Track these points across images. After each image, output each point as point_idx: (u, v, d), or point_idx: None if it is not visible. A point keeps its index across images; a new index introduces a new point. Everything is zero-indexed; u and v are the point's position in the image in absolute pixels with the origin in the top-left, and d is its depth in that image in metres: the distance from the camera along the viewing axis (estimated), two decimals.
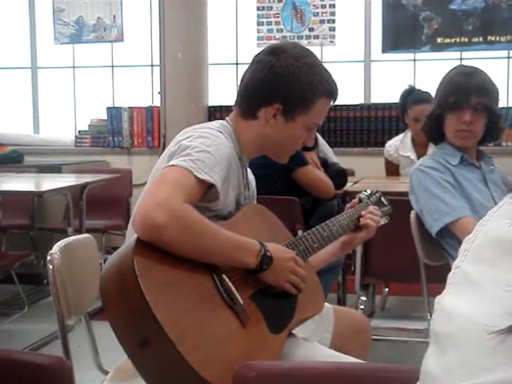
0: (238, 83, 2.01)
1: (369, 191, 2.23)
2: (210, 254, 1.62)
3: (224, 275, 1.64)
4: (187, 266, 1.59)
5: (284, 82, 1.87)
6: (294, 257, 1.81)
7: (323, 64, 1.96)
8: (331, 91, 1.94)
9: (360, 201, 2.18)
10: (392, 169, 4.71)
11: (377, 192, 2.25)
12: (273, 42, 6.26)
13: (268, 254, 1.69)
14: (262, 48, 1.96)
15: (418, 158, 4.30)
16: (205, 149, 1.72)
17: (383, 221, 2.19)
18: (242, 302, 1.63)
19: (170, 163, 1.68)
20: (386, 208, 2.24)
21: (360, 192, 2.26)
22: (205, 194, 1.70)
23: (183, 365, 1.45)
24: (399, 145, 4.63)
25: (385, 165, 4.80)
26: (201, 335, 1.53)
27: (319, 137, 4.15)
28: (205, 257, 1.62)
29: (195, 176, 1.64)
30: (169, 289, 1.55)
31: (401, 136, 4.71)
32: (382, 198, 2.25)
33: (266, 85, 1.88)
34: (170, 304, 1.51)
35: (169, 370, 1.51)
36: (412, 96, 4.42)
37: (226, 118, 1.97)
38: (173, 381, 1.54)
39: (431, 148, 4.04)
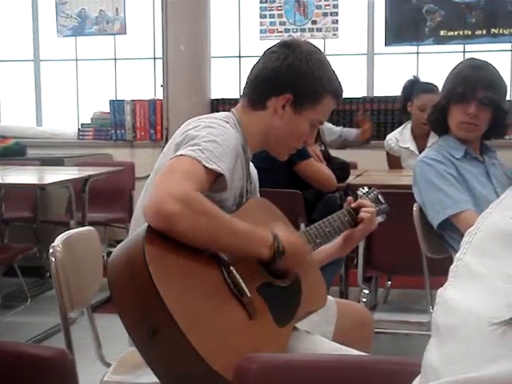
0: (241, 76, 2.02)
1: (366, 189, 2.23)
2: (223, 244, 1.63)
3: (232, 267, 1.65)
4: (196, 257, 1.59)
5: (297, 73, 1.89)
6: (304, 245, 1.85)
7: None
8: (339, 91, 1.98)
9: (359, 198, 2.18)
10: (394, 162, 4.71)
11: (374, 190, 2.26)
12: (276, 34, 6.25)
13: (280, 247, 1.69)
14: (265, 41, 1.97)
15: (418, 150, 4.32)
16: (212, 138, 1.72)
17: (381, 218, 2.19)
18: (249, 295, 1.64)
19: (178, 153, 1.68)
20: (384, 206, 2.24)
21: (361, 186, 2.26)
22: (212, 184, 1.70)
23: (193, 355, 1.45)
24: (399, 137, 4.64)
25: (387, 158, 4.80)
26: (210, 326, 1.54)
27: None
28: (217, 246, 1.63)
29: (204, 166, 1.64)
30: (179, 279, 1.55)
31: (400, 128, 4.72)
32: (379, 196, 2.25)
33: (279, 75, 1.90)
34: (181, 294, 1.52)
35: (178, 360, 1.51)
36: (420, 85, 4.44)
37: (232, 110, 1.98)
38: (181, 370, 1.54)
39: (431, 139, 4.05)
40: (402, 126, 4.71)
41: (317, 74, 1.90)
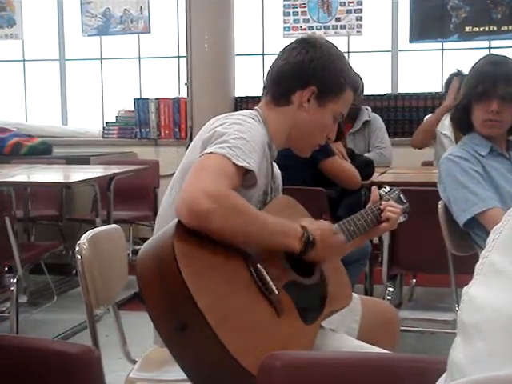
0: (265, 73, 2.03)
1: (388, 188, 2.24)
2: (255, 240, 1.64)
3: (259, 265, 1.65)
4: (224, 254, 1.60)
5: (320, 65, 1.93)
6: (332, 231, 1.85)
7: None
8: (357, 83, 2.00)
9: (380, 198, 2.18)
10: (422, 132, 4.61)
11: (396, 189, 2.26)
12: (299, 32, 6.24)
13: (310, 237, 1.71)
14: (289, 39, 2.00)
15: (455, 140, 4.30)
16: (240, 135, 1.73)
17: (402, 218, 2.19)
18: (276, 292, 1.64)
19: (208, 151, 1.69)
20: (405, 206, 2.24)
21: (385, 183, 2.27)
22: (242, 181, 1.71)
23: (222, 351, 1.45)
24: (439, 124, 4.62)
25: (417, 128, 4.71)
26: (239, 322, 1.54)
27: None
28: (249, 242, 1.64)
29: (234, 163, 1.65)
30: (208, 275, 1.55)
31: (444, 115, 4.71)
32: (401, 196, 2.25)
33: (303, 68, 1.93)
34: (210, 290, 1.52)
35: (206, 356, 1.51)
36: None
37: (255, 108, 1.99)
38: (210, 366, 1.55)
39: None
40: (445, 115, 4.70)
41: (338, 67, 1.95)
